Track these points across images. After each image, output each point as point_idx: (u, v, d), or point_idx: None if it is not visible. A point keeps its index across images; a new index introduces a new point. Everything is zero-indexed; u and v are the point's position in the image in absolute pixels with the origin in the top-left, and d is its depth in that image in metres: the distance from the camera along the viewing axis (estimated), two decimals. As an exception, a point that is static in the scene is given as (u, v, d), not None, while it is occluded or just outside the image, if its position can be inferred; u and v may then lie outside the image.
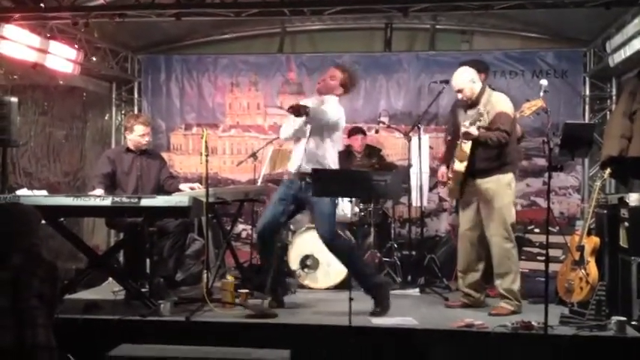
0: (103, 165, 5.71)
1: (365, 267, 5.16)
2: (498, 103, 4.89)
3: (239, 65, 7.78)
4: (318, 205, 4.96)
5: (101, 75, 7.56)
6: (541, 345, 4.19)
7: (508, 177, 4.98)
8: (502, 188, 4.94)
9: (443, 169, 5.30)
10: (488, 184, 4.94)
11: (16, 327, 2.94)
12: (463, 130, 4.81)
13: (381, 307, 4.92)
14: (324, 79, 5.08)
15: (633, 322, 4.61)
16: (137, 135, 5.67)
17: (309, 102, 5.07)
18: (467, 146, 4.87)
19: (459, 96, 5.04)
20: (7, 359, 2.91)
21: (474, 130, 4.73)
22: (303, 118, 4.83)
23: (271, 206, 5.14)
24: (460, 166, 4.94)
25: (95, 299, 5.33)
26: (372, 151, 6.98)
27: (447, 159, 5.28)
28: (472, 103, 5.01)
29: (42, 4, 5.79)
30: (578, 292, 4.96)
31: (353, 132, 6.87)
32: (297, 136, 5.05)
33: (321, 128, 4.97)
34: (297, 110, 4.76)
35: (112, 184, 5.64)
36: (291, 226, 6.13)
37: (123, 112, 8.02)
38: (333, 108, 5.00)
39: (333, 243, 5.04)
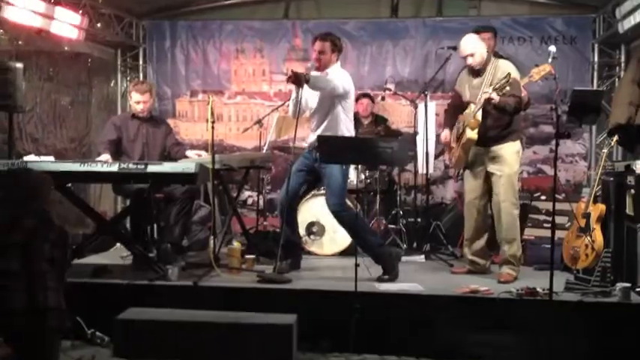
0: (109, 131, 5.70)
1: (372, 238, 5.13)
2: (508, 71, 4.82)
3: (244, 31, 7.72)
4: (329, 177, 4.98)
5: (106, 41, 7.51)
6: (546, 311, 4.22)
7: (517, 144, 5.01)
8: (513, 155, 4.96)
9: (447, 132, 5.24)
10: (501, 150, 4.94)
11: (27, 290, 2.98)
12: (485, 96, 4.74)
13: (390, 275, 4.96)
14: (317, 59, 5.02)
15: (638, 289, 4.64)
16: (133, 102, 5.69)
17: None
18: (479, 114, 4.85)
19: (469, 61, 4.98)
20: (18, 321, 2.95)
21: (495, 96, 4.69)
22: (301, 90, 4.83)
23: (291, 177, 5.14)
24: (472, 134, 4.90)
25: (104, 264, 5.39)
26: (379, 119, 6.96)
27: (450, 123, 5.24)
28: (480, 70, 4.97)
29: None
30: (583, 259, 4.98)
31: (359, 97, 6.84)
32: (300, 110, 5.00)
33: (331, 98, 4.96)
34: (296, 78, 4.74)
35: (117, 151, 5.65)
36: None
37: (128, 78, 7.99)
38: (336, 74, 4.98)
39: (340, 215, 5.06)
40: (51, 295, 3.04)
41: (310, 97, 5.12)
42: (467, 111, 5.00)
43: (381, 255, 5.07)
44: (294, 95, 5.11)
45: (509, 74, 4.69)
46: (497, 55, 5.33)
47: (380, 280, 4.91)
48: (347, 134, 5.04)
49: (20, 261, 3.01)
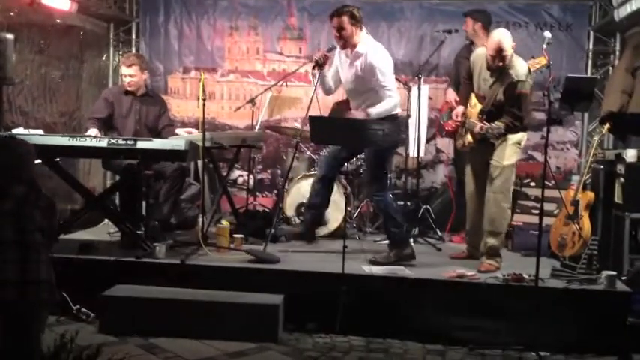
0: (99, 108, 5.67)
1: (397, 221, 5.13)
2: (520, 82, 4.69)
3: (238, 8, 7.63)
4: (371, 159, 4.98)
5: (99, 14, 7.41)
6: (531, 297, 4.24)
7: (519, 135, 4.91)
8: (512, 146, 4.89)
9: (461, 109, 5.10)
10: (502, 142, 4.87)
11: (20, 261, 2.96)
12: (482, 130, 4.69)
13: (386, 260, 4.98)
14: (340, 36, 4.93)
15: (623, 277, 4.67)
16: (122, 75, 5.67)
17: (337, 60, 5.08)
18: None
19: (497, 62, 4.70)
20: (10, 293, 2.94)
21: (487, 136, 4.69)
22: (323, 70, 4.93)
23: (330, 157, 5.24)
24: (472, 139, 4.92)
25: (91, 240, 5.37)
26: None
27: (464, 101, 5.14)
28: (498, 67, 4.78)
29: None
30: (570, 247, 5.00)
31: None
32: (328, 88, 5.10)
33: (370, 78, 4.93)
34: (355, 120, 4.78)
35: (109, 127, 5.62)
36: (289, 174, 6.13)
37: (120, 52, 7.90)
38: (378, 59, 4.92)
39: (375, 197, 5.12)
40: (42, 267, 3.03)
41: (336, 75, 5.14)
42: (472, 110, 4.93)
43: (397, 241, 5.09)
44: (317, 79, 5.09)
45: (501, 127, 4.67)
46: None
47: (372, 261, 4.94)
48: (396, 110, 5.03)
49: (12, 229, 2.98)
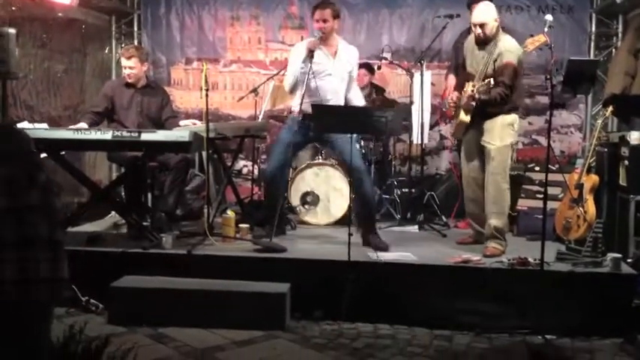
0: (99, 102, 5.68)
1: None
2: (506, 52, 4.75)
3: (240, -2, 7.64)
4: (346, 143, 4.94)
5: (100, 7, 7.42)
6: (537, 281, 4.26)
7: (512, 117, 4.91)
8: (505, 128, 4.88)
9: (455, 94, 5.13)
10: (493, 123, 4.88)
11: (52, 260, 2.87)
12: (469, 93, 4.74)
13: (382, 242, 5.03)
14: (322, 27, 5.02)
15: (629, 260, 4.68)
16: (122, 67, 5.68)
17: (322, 54, 5.08)
18: (473, 103, 4.82)
19: (478, 30, 4.85)
20: (43, 292, 2.86)
21: (477, 95, 4.71)
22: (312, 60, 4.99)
23: (282, 148, 5.17)
24: (466, 117, 4.90)
25: (98, 232, 5.41)
26: (378, 90, 6.94)
27: (459, 87, 5.14)
28: (485, 41, 4.87)
29: None
30: (575, 230, 5.01)
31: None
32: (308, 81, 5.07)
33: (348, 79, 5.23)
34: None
35: (110, 120, 5.63)
36: (292, 163, 6.15)
37: (122, 45, 7.90)
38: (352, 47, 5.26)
39: (364, 178, 5.13)
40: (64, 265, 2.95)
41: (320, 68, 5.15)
42: (466, 87, 4.92)
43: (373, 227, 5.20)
44: (301, 66, 5.04)
45: (489, 81, 4.65)
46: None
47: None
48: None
49: (46, 225, 2.77)
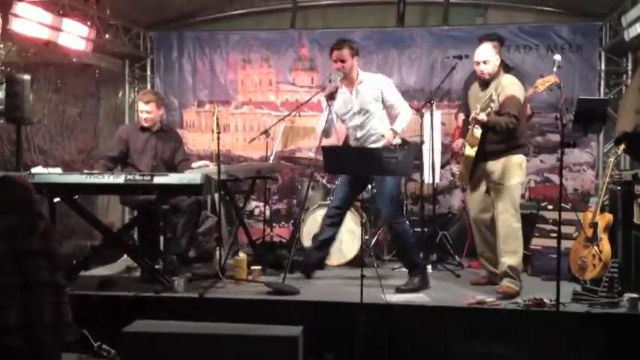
0: (114, 146, 5.73)
1: (417, 248, 5.33)
2: (508, 86, 4.82)
3: (250, 41, 7.73)
4: (383, 187, 5.04)
5: (114, 52, 7.55)
6: (553, 322, 4.20)
7: (518, 157, 4.93)
8: (512, 167, 4.89)
9: (460, 141, 5.22)
10: (498, 164, 4.90)
11: (54, 303, 2.89)
12: (473, 115, 4.78)
13: (411, 287, 5.01)
14: (341, 67, 5.10)
15: (646, 299, 4.60)
16: (139, 111, 5.72)
17: (343, 95, 5.18)
18: (478, 132, 4.84)
19: (481, 68, 4.91)
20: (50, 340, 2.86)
21: (483, 117, 4.70)
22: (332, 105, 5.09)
23: (340, 187, 5.36)
24: (471, 151, 4.92)
25: (110, 275, 5.41)
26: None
27: (464, 133, 5.21)
28: (488, 81, 4.92)
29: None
30: (590, 270, 4.95)
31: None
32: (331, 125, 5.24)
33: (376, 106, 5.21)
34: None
35: (124, 164, 5.67)
36: (305, 204, 6.15)
37: (136, 89, 8.02)
38: (378, 77, 5.30)
39: (394, 225, 5.15)
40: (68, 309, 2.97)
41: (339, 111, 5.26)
42: (470, 126, 4.97)
43: (420, 267, 5.18)
44: (326, 113, 5.21)
45: (490, 95, 4.69)
46: (506, 69, 5.33)
47: (399, 289, 4.94)
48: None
49: (47, 270, 2.88)
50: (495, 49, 5.03)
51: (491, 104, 4.67)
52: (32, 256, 2.91)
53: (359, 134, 5.24)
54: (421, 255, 5.40)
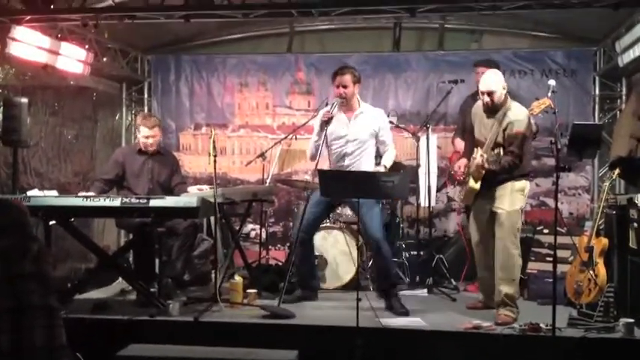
0: (109, 169, 5.72)
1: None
2: (516, 122, 4.78)
3: (247, 65, 7.79)
4: (367, 209, 5.05)
5: (111, 75, 7.59)
6: (549, 347, 4.18)
7: (521, 183, 4.93)
8: (515, 193, 4.89)
9: (463, 161, 5.15)
10: (503, 190, 4.89)
11: (47, 327, 2.88)
12: (479, 162, 4.74)
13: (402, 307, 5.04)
14: (342, 93, 5.15)
15: (642, 324, 4.60)
16: (142, 136, 5.70)
17: (339, 121, 5.22)
18: (483, 171, 4.84)
19: (486, 99, 4.86)
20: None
21: (487, 166, 4.73)
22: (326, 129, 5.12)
23: (308, 210, 5.28)
24: (475, 185, 4.90)
25: (105, 299, 5.38)
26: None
27: (467, 154, 5.15)
28: (494, 109, 4.88)
29: (52, 6, 5.83)
30: (586, 294, 4.94)
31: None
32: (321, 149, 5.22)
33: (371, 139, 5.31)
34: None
35: (120, 187, 5.67)
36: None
37: (133, 112, 8.06)
38: (377, 112, 5.36)
39: (382, 245, 5.16)
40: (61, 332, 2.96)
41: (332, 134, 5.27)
42: (475, 154, 4.91)
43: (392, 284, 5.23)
44: (316, 137, 5.26)
45: (498, 152, 4.76)
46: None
47: (398, 313, 4.98)
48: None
49: (40, 293, 2.86)
50: (501, 77, 4.91)
51: (498, 159, 4.76)
52: (25, 279, 2.91)
53: (346, 162, 5.24)
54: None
